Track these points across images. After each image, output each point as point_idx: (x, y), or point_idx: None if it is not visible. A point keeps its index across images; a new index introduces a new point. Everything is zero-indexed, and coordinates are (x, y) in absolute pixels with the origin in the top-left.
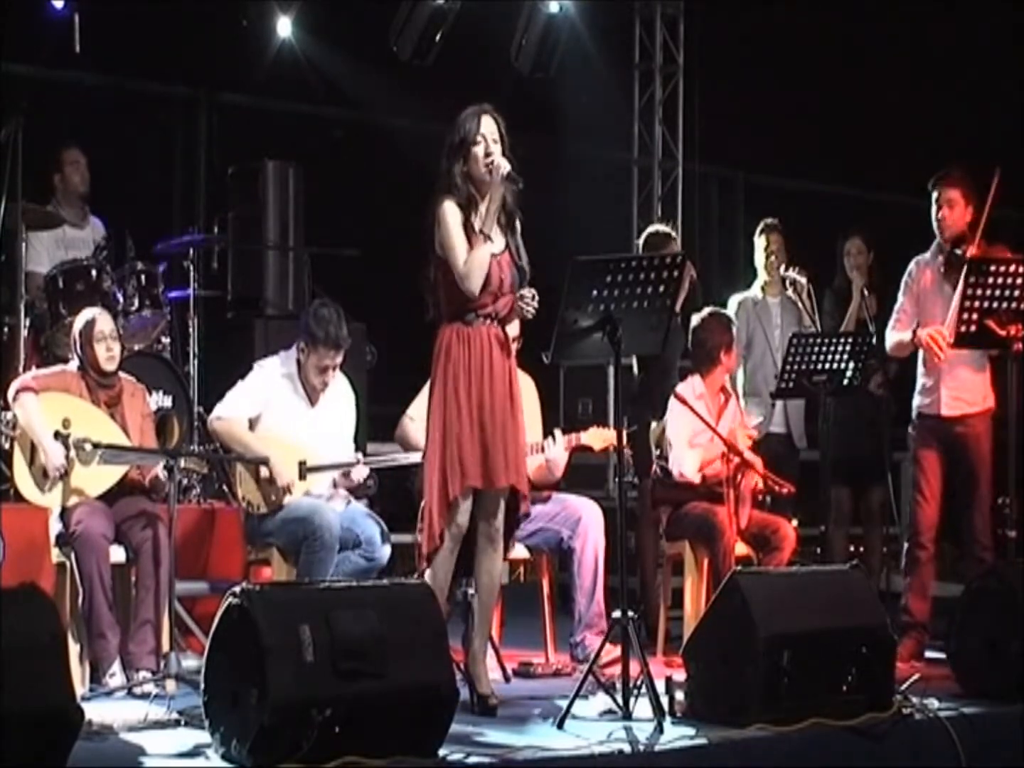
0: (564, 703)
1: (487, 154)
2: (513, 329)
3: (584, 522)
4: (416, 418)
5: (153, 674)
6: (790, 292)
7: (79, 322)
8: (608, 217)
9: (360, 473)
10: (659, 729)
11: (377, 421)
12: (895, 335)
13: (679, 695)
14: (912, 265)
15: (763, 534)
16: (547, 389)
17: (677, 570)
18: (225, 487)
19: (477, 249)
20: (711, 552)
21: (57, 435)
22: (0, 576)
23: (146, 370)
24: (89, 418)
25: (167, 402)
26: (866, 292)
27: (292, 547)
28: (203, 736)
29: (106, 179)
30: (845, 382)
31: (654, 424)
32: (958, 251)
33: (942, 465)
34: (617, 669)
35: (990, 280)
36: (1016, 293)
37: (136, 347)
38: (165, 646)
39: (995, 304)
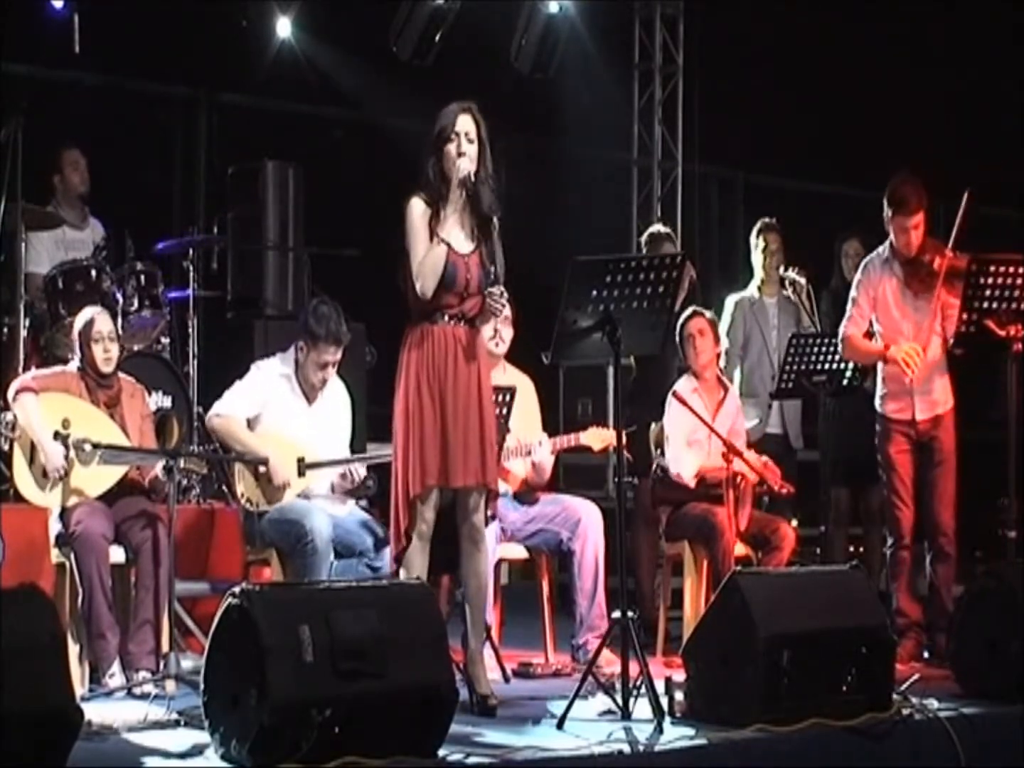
0: (564, 703)
1: (459, 153)
2: (508, 333)
3: (584, 524)
4: None
5: (153, 674)
6: (789, 292)
7: (79, 322)
8: (608, 217)
9: (359, 472)
10: (659, 729)
11: (376, 421)
12: (860, 343)
13: (679, 695)
14: (868, 265)
15: (763, 534)
16: (547, 389)
17: (677, 570)
18: (224, 486)
19: (431, 250)
20: (711, 552)
21: (57, 435)
22: (0, 576)
23: (146, 370)
24: (89, 418)
25: (167, 402)
26: None
27: (286, 548)
28: (203, 736)
29: (106, 179)
30: (844, 382)
31: (653, 424)
32: (924, 258)
33: (915, 466)
34: (616, 669)
35: (990, 280)
36: (1016, 293)
37: (136, 347)
38: (165, 646)
39: (995, 304)
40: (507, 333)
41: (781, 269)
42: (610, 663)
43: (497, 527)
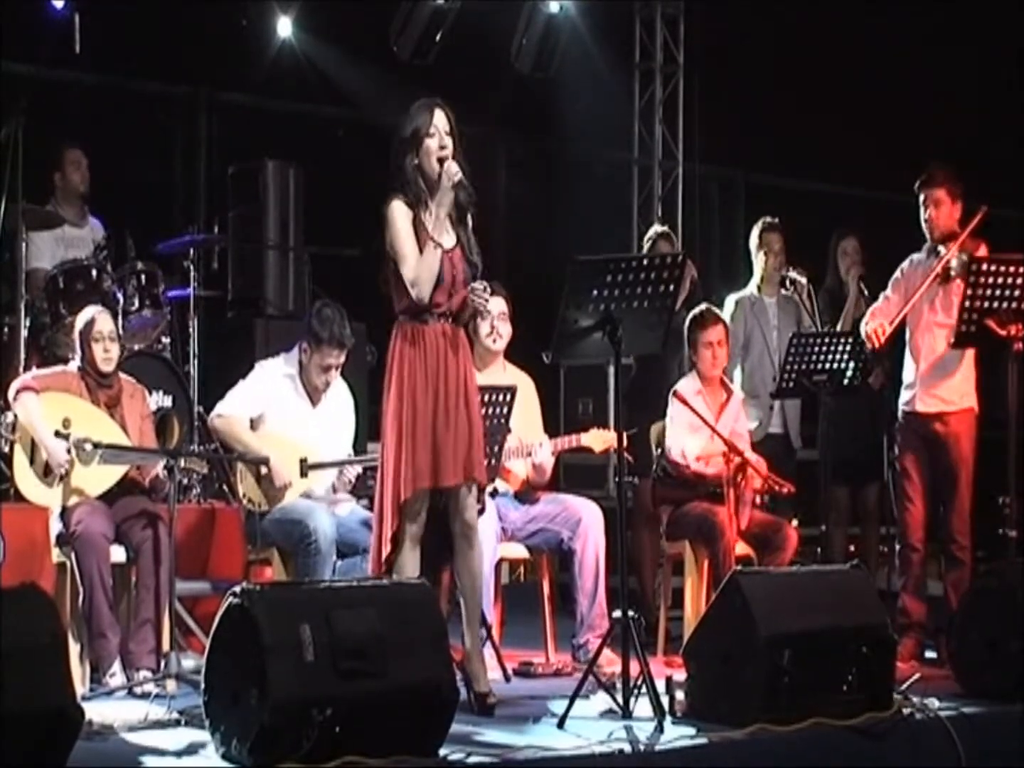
0: (564, 703)
1: (441, 147)
2: (498, 305)
3: (584, 523)
4: None
5: (153, 674)
6: (790, 292)
7: (80, 321)
8: (608, 217)
9: (350, 473)
10: (659, 729)
11: (377, 421)
12: (863, 322)
13: (679, 695)
14: (906, 262)
15: (764, 534)
16: (547, 389)
17: (678, 570)
18: (225, 486)
19: (425, 256)
20: (711, 552)
21: (57, 435)
22: (0, 576)
23: (146, 370)
24: (89, 418)
25: (167, 402)
26: (864, 291)
27: (289, 547)
28: (203, 736)
29: (106, 179)
30: (845, 382)
31: (653, 425)
32: (941, 249)
33: (925, 465)
34: (617, 669)
35: (990, 280)
36: (1016, 293)
37: (136, 347)
38: (165, 646)
39: (995, 304)
40: (504, 329)
41: (782, 269)
42: (611, 663)
43: (498, 526)
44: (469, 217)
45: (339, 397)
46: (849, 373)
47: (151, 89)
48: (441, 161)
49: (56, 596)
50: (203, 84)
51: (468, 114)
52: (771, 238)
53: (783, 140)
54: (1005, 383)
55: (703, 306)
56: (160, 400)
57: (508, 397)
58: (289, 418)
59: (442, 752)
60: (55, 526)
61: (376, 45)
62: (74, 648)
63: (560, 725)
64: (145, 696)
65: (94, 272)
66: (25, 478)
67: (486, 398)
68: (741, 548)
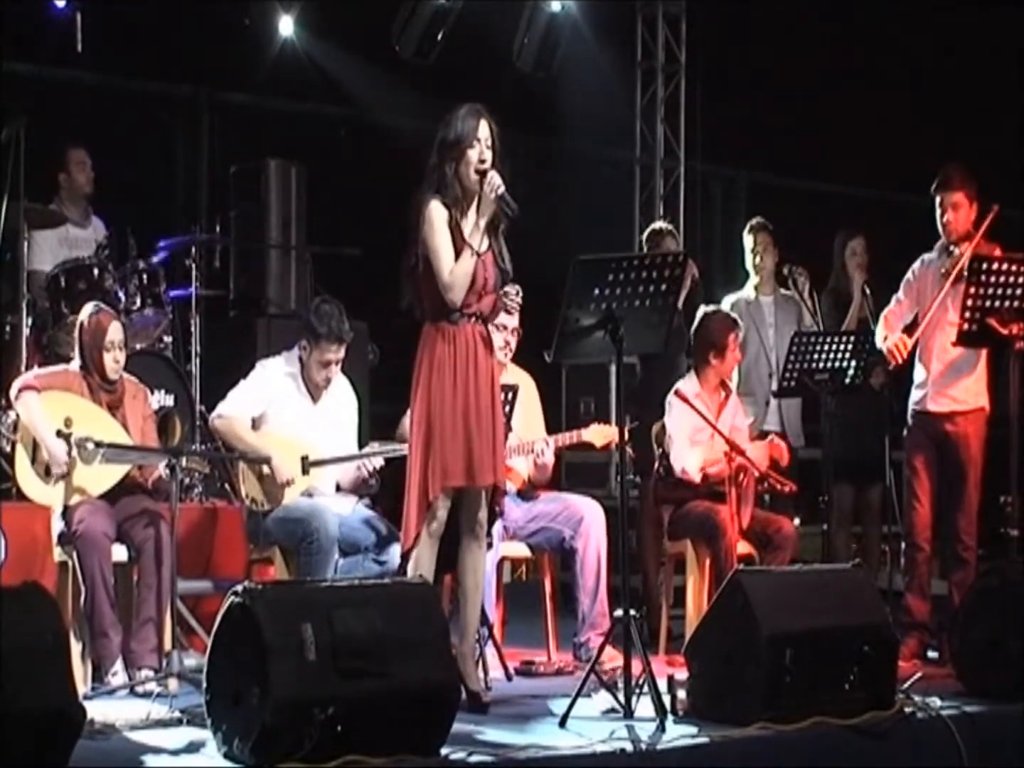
0: (566, 702)
1: (481, 160)
2: (512, 321)
3: (586, 522)
4: None
5: (155, 673)
6: (791, 291)
7: (84, 319)
8: (610, 216)
9: (372, 464)
10: (661, 728)
11: (379, 420)
12: (880, 329)
13: (681, 694)
14: (917, 263)
15: (765, 533)
16: (549, 388)
17: (679, 569)
18: (227, 485)
19: (463, 261)
20: (713, 551)
21: (59, 434)
22: (2, 575)
23: (148, 369)
24: (91, 417)
25: (169, 401)
26: (867, 291)
27: (291, 546)
28: (205, 735)
29: (108, 178)
30: (847, 381)
31: (655, 424)
32: (954, 249)
33: (934, 464)
34: (619, 665)
35: (991, 279)
36: (1018, 292)
37: (138, 346)
38: (167, 645)
39: (997, 303)
40: (514, 343)
41: (784, 268)
42: (612, 659)
43: (499, 525)
44: (502, 226)
45: (341, 393)
46: (851, 372)
47: (153, 88)
48: (481, 173)
49: (58, 595)
50: (205, 83)
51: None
52: (758, 238)
53: (785, 139)
54: (1007, 381)
55: (725, 310)
56: (162, 399)
57: (510, 396)
58: (291, 417)
59: (443, 751)
60: (57, 525)
61: (378, 44)
62: (76, 647)
63: (562, 724)
64: (147, 695)
65: (96, 271)
66: (27, 477)
67: None
68: (743, 547)
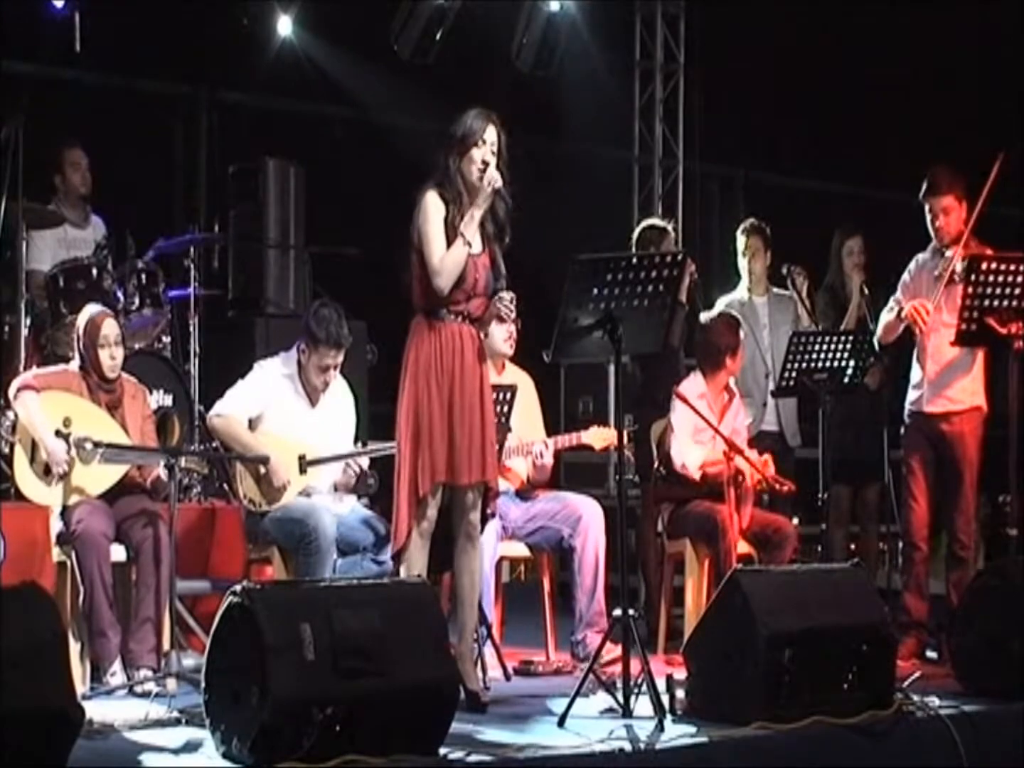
0: (565, 701)
1: (484, 161)
2: (506, 329)
3: (585, 521)
4: None
5: (154, 672)
6: (789, 290)
7: (82, 320)
8: (609, 215)
9: (360, 464)
10: (660, 727)
11: (378, 419)
12: (883, 318)
13: (680, 693)
14: (912, 263)
15: (764, 533)
16: (548, 388)
17: (679, 568)
18: (226, 485)
19: (454, 248)
20: (713, 550)
21: (58, 434)
22: (1, 575)
23: (147, 369)
24: (90, 417)
25: (167, 401)
26: (865, 290)
27: (289, 547)
28: (204, 735)
29: (107, 178)
30: (846, 380)
31: (654, 424)
32: (947, 252)
33: (931, 464)
34: (618, 667)
35: (990, 278)
36: (1017, 291)
37: (137, 346)
38: (166, 644)
39: (996, 302)
40: (515, 336)
41: (783, 268)
42: (610, 651)
43: (498, 525)
44: (506, 237)
45: (338, 396)
46: (849, 372)
47: (151, 88)
48: (481, 171)
49: (56, 595)
50: (204, 83)
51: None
52: (753, 240)
53: (783, 139)
54: (1006, 381)
55: (732, 312)
56: (160, 399)
57: (508, 396)
58: (288, 418)
59: (442, 751)
60: (55, 525)
61: (377, 44)
62: (74, 647)
63: (561, 724)
64: (146, 695)
65: (94, 271)
66: (25, 477)
67: None
68: (742, 547)
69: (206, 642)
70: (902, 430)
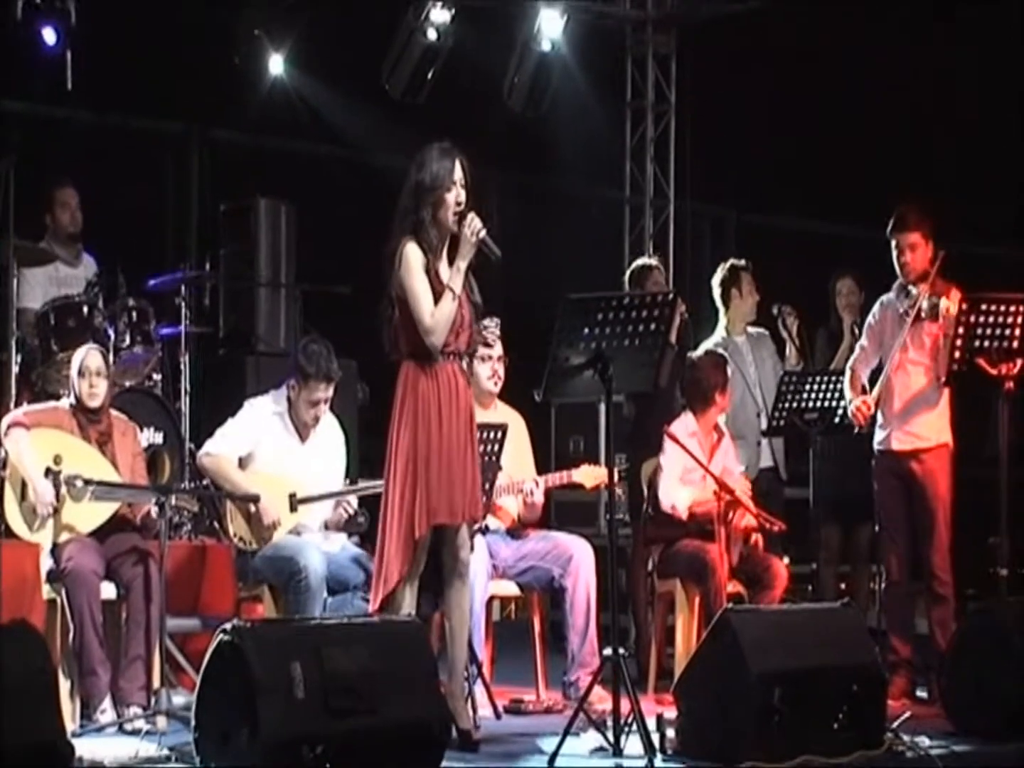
0: (555, 740)
1: (458, 202)
2: (495, 350)
3: (575, 560)
4: None
5: (144, 710)
6: (780, 328)
7: (76, 357)
8: (600, 255)
9: (352, 505)
10: (650, 766)
11: (368, 458)
12: (846, 384)
13: (670, 732)
14: (876, 306)
15: (755, 572)
16: (538, 427)
17: (669, 608)
18: (216, 524)
19: (443, 304)
20: (702, 590)
21: (48, 471)
22: None
23: (137, 406)
24: (81, 454)
25: (158, 438)
26: (856, 331)
27: (279, 585)
28: None
29: (98, 215)
30: (836, 420)
31: (645, 464)
32: (913, 289)
33: (904, 503)
34: (608, 706)
35: (982, 319)
36: (1007, 332)
37: (127, 383)
38: (156, 682)
39: (986, 343)
40: (502, 371)
41: (773, 308)
42: (601, 700)
43: (488, 564)
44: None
45: (329, 433)
46: (840, 412)
47: (143, 126)
48: (460, 216)
49: (47, 632)
50: (195, 121)
51: (460, 152)
52: (748, 279)
53: (774, 179)
54: (996, 421)
55: (719, 351)
56: (151, 437)
57: (499, 435)
58: (278, 455)
59: None
60: (46, 562)
61: (368, 83)
62: (64, 684)
63: (551, 763)
64: (135, 733)
65: (85, 309)
66: (15, 515)
67: (478, 436)
68: (732, 586)
69: (196, 680)
70: (873, 465)
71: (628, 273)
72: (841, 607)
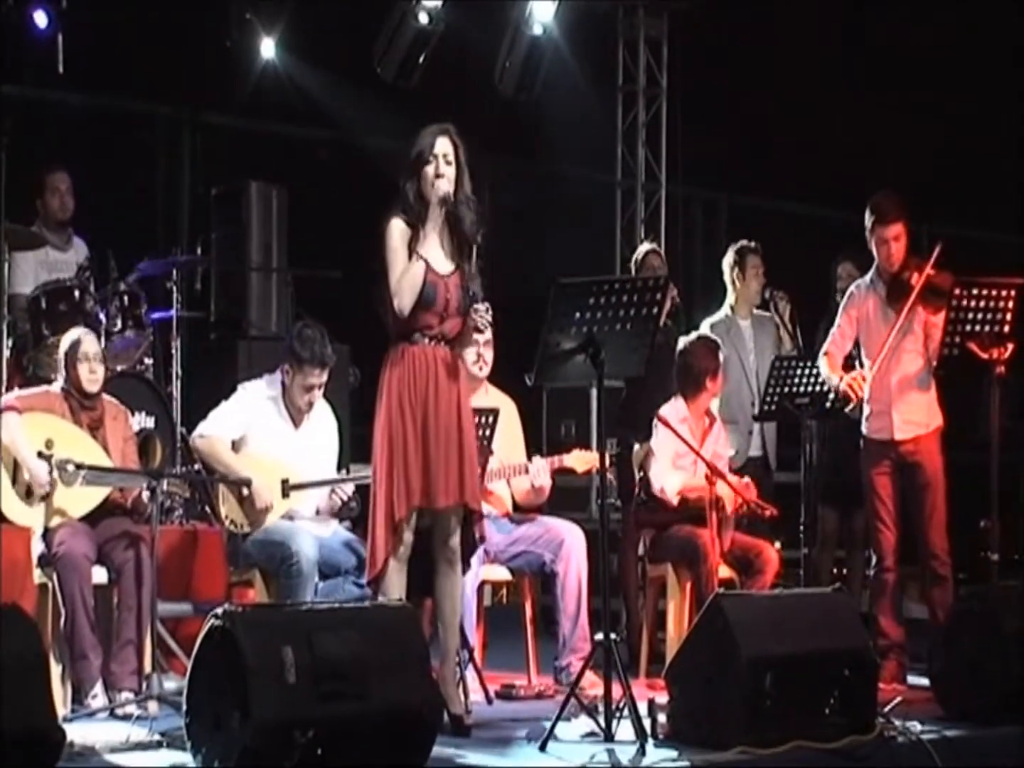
0: (546, 725)
1: (437, 175)
2: (489, 356)
3: (567, 545)
4: None
5: (135, 695)
6: (772, 313)
7: (65, 342)
8: (591, 239)
9: (346, 491)
10: (641, 751)
11: (361, 442)
12: (825, 367)
13: (661, 717)
14: (853, 288)
15: (746, 557)
16: (530, 411)
17: (661, 592)
18: (207, 507)
19: (408, 267)
20: (694, 575)
21: (40, 455)
22: None
23: (129, 391)
24: (72, 439)
25: (149, 423)
26: None
27: (271, 569)
28: (185, 757)
29: (89, 199)
30: (827, 405)
31: (637, 447)
32: (903, 277)
33: (896, 488)
34: (599, 692)
35: (973, 303)
36: (998, 316)
37: (119, 368)
38: (147, 667)
39: (978, 327)
40: (489, 356)
41: (765, 292)
42: (593, 685)
43: (480, 549)
44: (475, 248)
45: (322, 419)
46: (831, 396)
47: (134, 109)
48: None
49: (38, 617)
50: (186, 105)
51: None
52: (755, 261)
53: (766, 162)
54: (987, 405)
55: (710, 335)
56: (142, 421)
57: (490, 419)
58: (271, 440)
59: None
60: (37, 547)
61: (360, 67)
62: (55, 669)
63: (542, 748)
64: (127, 718)
65: (77, 293)
66: (7, 499)
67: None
68: (724, 571)
69: (187, 665)
70: (862, 451)
71: (634, 260)
72: (832, 592)
